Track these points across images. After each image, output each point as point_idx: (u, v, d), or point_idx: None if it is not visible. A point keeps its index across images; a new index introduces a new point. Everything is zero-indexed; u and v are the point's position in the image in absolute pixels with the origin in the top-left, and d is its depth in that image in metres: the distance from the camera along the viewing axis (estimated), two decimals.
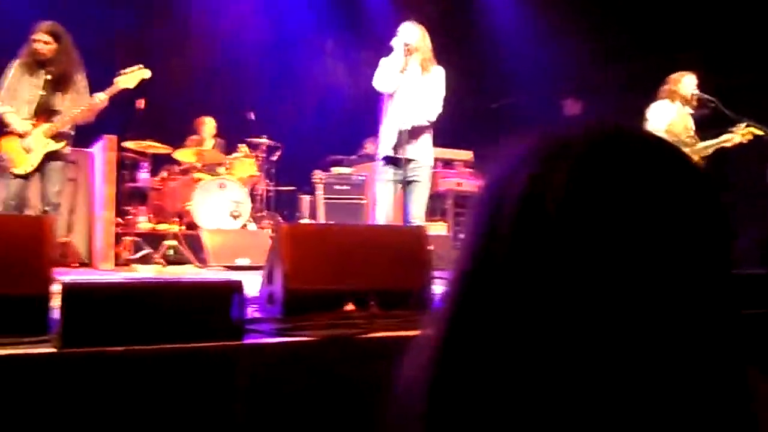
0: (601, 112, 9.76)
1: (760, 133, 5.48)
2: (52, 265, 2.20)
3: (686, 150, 4.13)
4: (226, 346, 2.05)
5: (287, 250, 2.63)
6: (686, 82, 5.65)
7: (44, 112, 5.13)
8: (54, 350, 1.90)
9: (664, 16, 8.39)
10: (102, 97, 5.28)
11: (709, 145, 5.60)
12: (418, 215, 4.80)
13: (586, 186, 0.52)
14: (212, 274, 5.95)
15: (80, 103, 5.23)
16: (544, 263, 0.51)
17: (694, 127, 5.73)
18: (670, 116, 5.64)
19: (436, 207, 8.05)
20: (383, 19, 9.53)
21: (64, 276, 4.47)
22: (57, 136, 5.13)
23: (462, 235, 0.62)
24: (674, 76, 5.70)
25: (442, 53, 9.77)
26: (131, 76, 5.47)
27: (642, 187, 0.52)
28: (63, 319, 1.95)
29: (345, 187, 7.63)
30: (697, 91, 5.63)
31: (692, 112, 5.73)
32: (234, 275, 5.61)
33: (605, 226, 0.51)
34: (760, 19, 7.62)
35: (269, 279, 2.82)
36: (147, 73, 5.54)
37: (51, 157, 5.13)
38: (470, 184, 8.34)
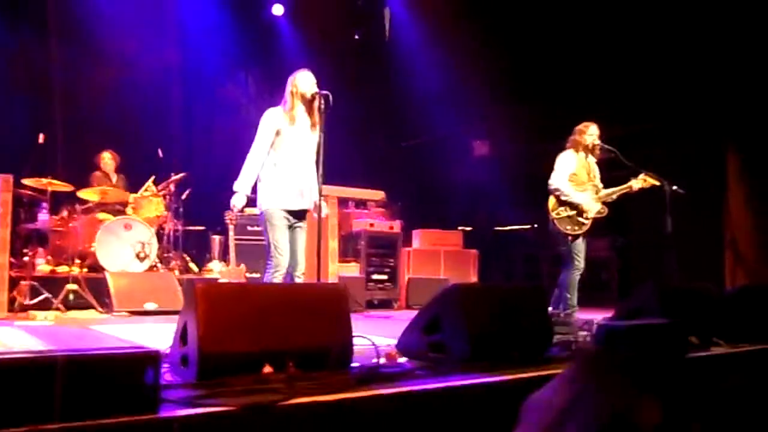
0: (508, 155, 10.11)
1: (656, 182, 5.80)
2: None
3: (592, 196, 4.33)
4: (140, 420, 1.95)
5: (202, 310, 2.55)
6: (590, 133, 5.92)
7: None
8: None
9: (573, 66, 8.82)
10: None
11: (612, 192, 5.88)
12: (303, 266, 4.87)
13: None
14: (117, 321, 5.71)
15: None
16: None
17: (598, 174, 6.00)
18: (572, 166, 5.89)
19: (349, 248, 8.06)
20: (295, 57, 9.58)
21: None
22: None
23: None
24: (579, 127, 5.96)
25: (354, 91, 9.93)
26: None
27: None
28: None
29: (257, 228, 7.51)
30: (598, 141, 5.90)
31: (596, 160, 6.01)
32: (139, 323, 5.41)
33: None
34: (660, 72, 8.14)
35: (182, 339, 2.73)
36: None
37: None
38: (382, 224, 8.39)
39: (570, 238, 5.78)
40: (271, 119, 4.82)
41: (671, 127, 8.40)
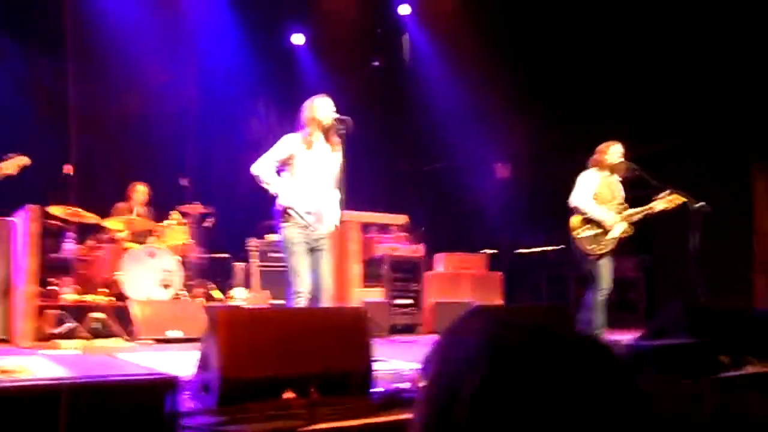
0: (531, 176, 10.06)
1: (682, 200, 5.70)
2: None
3: (616, 216, 4.25)
4: None
5: (223, 336, 2.54)
6: (612, 151, 5.84)
7: None
8: None
9: (592, 88, 8.77)
10: None
11: (636, 212, 5.79)
12: (331, 288, 4.84)
13: (525, 390, 0.63)
14: (142, 349, 5.73)
15: None
16: None
17: (622, 194, 5.91)
18: (595, 185, 5.81)
19: (372, 272, 8.02)
20: (316, 85, 9.66)
21: None
22: None
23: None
24: (601, 146, 5.89)
25: (375, 118, 9.98)
26: (12, 163, 5.73)
27: (570, 389, 0.63)
28: None
29: (280, 255, 7.51)
30: (623, 160, 5.83)
31: (620, 179, 5.94)
32: (164, 351, 5.42)
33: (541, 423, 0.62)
34: (685, 89, 8.07)
35: (204, 365, 2.72)
36: (27, 161, 5.81)
37: None
38: (405, 248, 8.36)
39: (593, 257, 5.69)
40: (287, 143, 4.84)
41: (697, 144, 8.30)
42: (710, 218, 5.66)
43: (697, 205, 5.68)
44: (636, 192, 6.01)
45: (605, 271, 5.68)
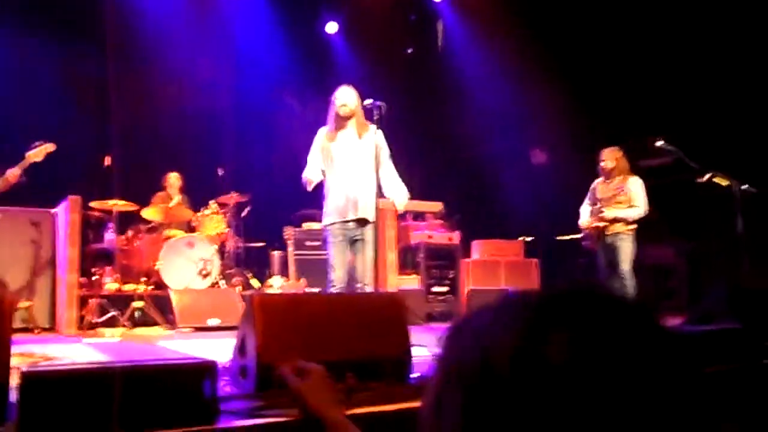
0: (567, 163, 9.90)
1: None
2: (8, 348, 2.09)
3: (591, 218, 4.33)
4: (199, 431, 1.95)
5: (259, 322, 2.54)
6: (605, 157, 6.16)
7: None
8: None
9: (631, 75, 8.59)
10: (15, 173, 5.59)
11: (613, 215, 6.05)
12: (370, 277, 4.80)
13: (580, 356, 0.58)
14: (181, 336, 5.80)
15: None
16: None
17: (622, 192, 6.07)
18: (594, 192, 6.32)
19: (407, 260, 8.01)
20: (350, 73, 9.63)
21: (27, 344, 4.31)
22: None
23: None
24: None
25: (410, 104, 9.92)
26: (39, 151, 5.81)
27: (619, 354, 0.58)
28: (20, 408, 1.84)
29: (316, 243, 7.55)
30: (612, 164, 6.05)
31: (610, 180, 6.14)
32: (203, 338, 5.48)
33: (595, 391, 0.57)
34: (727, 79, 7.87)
35: (241, 351, 2.73)
36: (52, 147, 5.88)
37: None
38: (441, 235, 8.31)
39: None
40: (317, 139, 4.98)
41: (740, 125, 8.06)
42: (756, 200, 5.51)
43: (740, 187, 5.55)
44: (678, 175, 5.91)
45: (601, 260, 6.26)
